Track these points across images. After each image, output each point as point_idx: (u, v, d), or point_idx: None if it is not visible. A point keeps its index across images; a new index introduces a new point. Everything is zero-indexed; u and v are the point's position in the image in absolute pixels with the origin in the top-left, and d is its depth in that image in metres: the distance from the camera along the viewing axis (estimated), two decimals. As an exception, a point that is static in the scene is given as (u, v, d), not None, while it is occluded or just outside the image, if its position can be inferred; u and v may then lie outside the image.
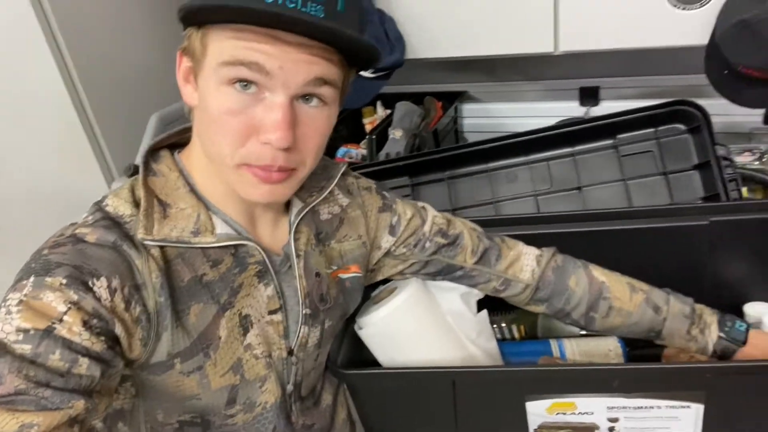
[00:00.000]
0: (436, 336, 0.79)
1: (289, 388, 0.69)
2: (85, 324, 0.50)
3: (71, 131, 1.12)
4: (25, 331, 0.47)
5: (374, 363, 0.80)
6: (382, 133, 1.31)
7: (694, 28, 0.97)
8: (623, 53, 1.05)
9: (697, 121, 1.03)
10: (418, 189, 1.18)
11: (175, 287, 0.58)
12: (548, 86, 1.45)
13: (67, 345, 0.48)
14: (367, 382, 0.75)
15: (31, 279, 0.50)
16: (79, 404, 0.48)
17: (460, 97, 1.52)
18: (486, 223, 0.85)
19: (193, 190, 0.62)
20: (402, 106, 1.33)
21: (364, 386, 0.76)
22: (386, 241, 0.78)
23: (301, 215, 0.68)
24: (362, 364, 0.80)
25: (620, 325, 0.79)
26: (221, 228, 0.61)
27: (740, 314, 0.90)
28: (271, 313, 0.65)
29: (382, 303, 0.79)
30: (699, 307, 0.79)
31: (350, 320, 0.80)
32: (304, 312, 0.67)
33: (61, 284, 0.50)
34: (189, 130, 0.64)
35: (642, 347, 0.89)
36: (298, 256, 0.67)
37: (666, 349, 0.86)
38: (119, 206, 0.58)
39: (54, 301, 0.49)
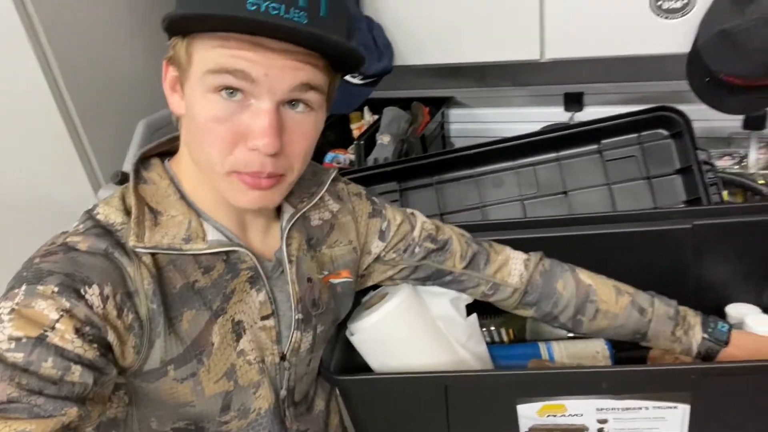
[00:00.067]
0: (427, 341, 0.79)
1: (283, 393, 0.69)
2: (78, 331, 0.50)
3: (57, 138, 1.11)
4: (18, 339, 0.47)
5: (366, 368, 0.81)
6: (369, 138, 1.31)
7: (677, 37, 0.99)
8: (607, 60, 1.07)
9: (678, 127, 1.05)
10: (406, 194, 1.19)
11: (168, 294, 0.59)
12: (533, 92, 1.46)
13: (60, 352, 0.48)
14: (360, 388, 0.76)
15: (23, 287, 0.50)
16: (72, 411, 0.48)
17: (447, 102, 1.54)
18: (474, 228, 0.86)
19: (183, 198, 0.62)
20: (389, 112, 1.34)
21: (356, 392, 0.76)
22: (376, 247, 0.78)
23: (293, 221, 0.69)
24: (354, 369, 0.80)
25: (607, 327, 0.81)
26: (212, 234, 0.62)
27: (723, 315, 0.92)
28: (263, 318, 0.65)
29: (373, 309, 0.79)
30: (682, 309, 0.81)
31: (342, 326, 0.81)
32: (296, 317, 0.67)
33: (53, 292, 0.50)
34: (178, 138, 0.64)
35: (628, 349, 0.90)
36: (290, 261, 0.67)
37: (651, 350, 0.88)
38: (110, 214, 0.58)
39: (46, 308, 0.49)
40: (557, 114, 1.44)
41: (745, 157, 1.23)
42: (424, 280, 0.82)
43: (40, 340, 0.48)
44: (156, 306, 0.57)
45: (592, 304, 0.80)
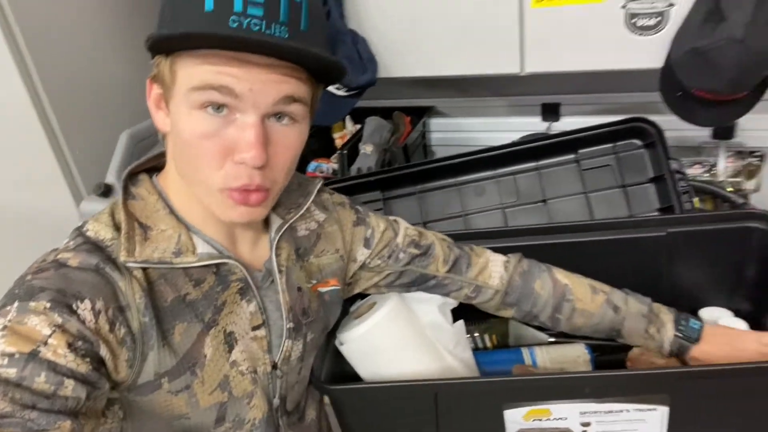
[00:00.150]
0: (415, 349, 0.81)
1: (276, 402, 0.70)
2: (70, 346, 0.50)
3: (37, 149, 1.09)
4: (10, 355, 0.48)
5: (356, 377, 0.82)
6: (352, 148, 1.32)
7: (650, 53, 1.03)
8: (583, 73, 1.10)
9: (652, 137, 1.08)
10: (389, 203, 1.20)
11: (159, 307, 0.59)
12: (512, 102, 1.49)
13: (53, 367, 0.49)
14: (350, 397, 0.77)
15: (15, 304, 0.51)
16: (66, 425, 0.48)
17: (428, 111, 1.55)
18: (456, 237, 0.88)
19: (172, 212, 0.63)
20: (372, 122, 1.35)
21: (347, 401, 0.77)
22: (361, 254, 0.80)
23: (281, 232, 0.70)
24: (344, 378, 0.82)
25: (583, 325, 0.83)
26: (202, 247, 0.62)
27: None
28: (254, 328, 0.66)
29: (362, 318, 0.81)
30: (657, 306, 0.83)
31: (332, 336, 0.82)
32: (287, 326, 0.68)
33: (45, 308, 0.50)
34: (164, 154, 0.65)
35: (609, 353, 0.93)
36: (280, 271, 0.68)
37: (630, 352, 0.90)
38: (100, 230, 0.59)
39: (38, 324, 0.50)
40: (535, 124, 1.47)
41: (715, 165, 1.27)
42: (409, 286, 0.84)
43: (33, 356, 0.48)
44: (148, 319, 0.57)
45: (568, 303, 0.82)
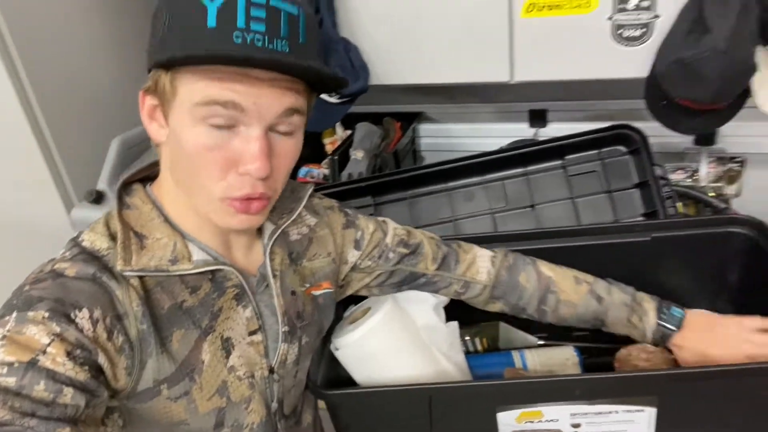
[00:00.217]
0: (410, 353, 0.82)
1: (274, 406, 0.71)
2: (69, 354, 0.51)
3: (28, 156, 1.09)
4: (9, 364, 0.48)
5: (351, 381, 0.83)
6: (343, 153, 1.34)
7: (636, 63, 1.05)
8: (570, 81, 1.13)
9: (636, 144, 1.10)
10: (380, 208, 1.21)
11: (157, 315, 0.60)
12: (500, 108, 1.51)
13: (51, 376, 0.49)
14: (346, 402, 0.77)
15: (14, 315, 0.51)
16: None
17: (418, 117, 1.57)
18: (447, 243, 0.89)
19: (167, 221, 0.63)
20: (362, 127, 1.37)
21: (343, 405, 0.78)
22: (352, 256, 0.81)
23: (274, 237, 0.71)
24: (340, 382, 0.82)
25: (569, 316, 0.85)
26: (198, 255, 0.63)
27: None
28: (251, 333, 0.67)
29: (357, 324, 0.82)
30: (640, 295, 0.85)
31: (327, 340, 0.83)
32: (283, 330, 0.69)
33: (43, 317, 0.51)
34: (157, 164, 0.66)
35: (596, 355, 0.95)
36: (274, 276, 0.69)
37: (617, 354, 0.92)
38: (95, 240, 0.59)
39: (37, 334, 0.50)
40: (522, 129, 1.49)
41: (697, 171, 1.29)
42: (400, 285, 0.85)
43: (32, 364, 0.49)
44: (146, 327, 0.58)
45: (553, 295, 0.84)
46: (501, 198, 1.19)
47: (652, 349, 0.89)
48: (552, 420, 0.75)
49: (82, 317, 0.53)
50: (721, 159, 1.31)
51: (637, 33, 1.04)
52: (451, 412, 0.76)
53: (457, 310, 0.91)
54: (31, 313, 0.51)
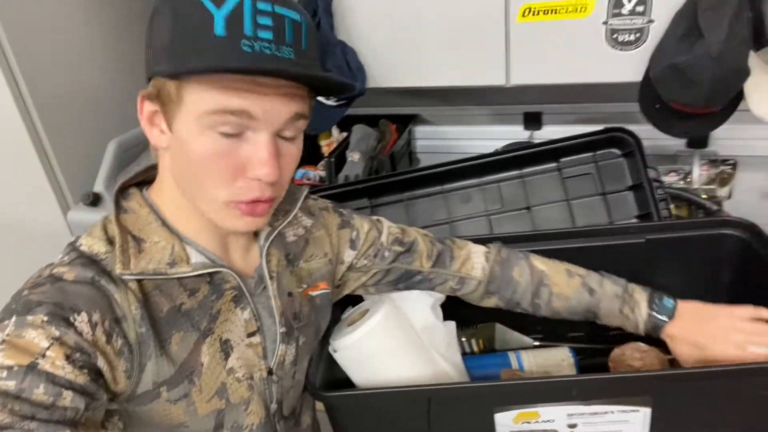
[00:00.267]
0: (408, 354, 0.82)
1: (273, 407, 0.72)
2: (68, 358, 0.51)
3: (23, 158, 1.09)
4: (9, 368, 0.48)
5: (350, 383, 0.83)
6: (340, 155, 1.34)
7: (630, 67, 1.07)
8: (565, 84, 1.14)
9: (630, 147, 1.12)
10: (377, 210, 1.22)
11: (156, 318, 0.60)
12: (495, 111, 1.52)
13: (51, 379, 0.49)
14: (345, 403, 0.78)
15: (13, 319, 0.51)
16: None
17: (413, 119, 1.57)
18: (444, 244, 0.90)
19: (164, 224, 0.63)
20: (359, 130, 1.37)
21: (342, 407, 0.78)
22: (348, 255, 0.82)
23: (270, 239, 0.71)
24: (339, 384, 0.83)
25: (562, 309, 0.86)
26: (196, 257, 0.63)
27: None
28: (249, 335, 0.67)
29: (355, 325, 0.82)
30: (632, 286, 0.85)
31: (325, 342, 0.83)
32: (280, 331, 0.70)
33: (42, 321, 0.51)
34: (154, 167, 0.66)
35: (591, 356, 0.97)
36: (271, 277, 0.70)
37: (611, 354, 0.93)
38: (93, 245, 0.60)
39: (36, 337, 0.50)
40: (517, 132, 1.50)
41: (690, 173, 1.31)
42: (396, 283, 0.86)
43: (32, 368, 0.49)
44: (145, 330, 0.58)
45: (545, 288, 0.85)
46: (497, 200, 1.20)
47: (645, 348, 0.90)
48: (548, 420, 0.76)
49: (81, 321, 0.53)
50: (714, 161, 1.33)
51: (632, 37, 1.05)
52: (449, 413, 0.76)
53: (452, 311, 0.92)
54: (30, 317, 0.51)
